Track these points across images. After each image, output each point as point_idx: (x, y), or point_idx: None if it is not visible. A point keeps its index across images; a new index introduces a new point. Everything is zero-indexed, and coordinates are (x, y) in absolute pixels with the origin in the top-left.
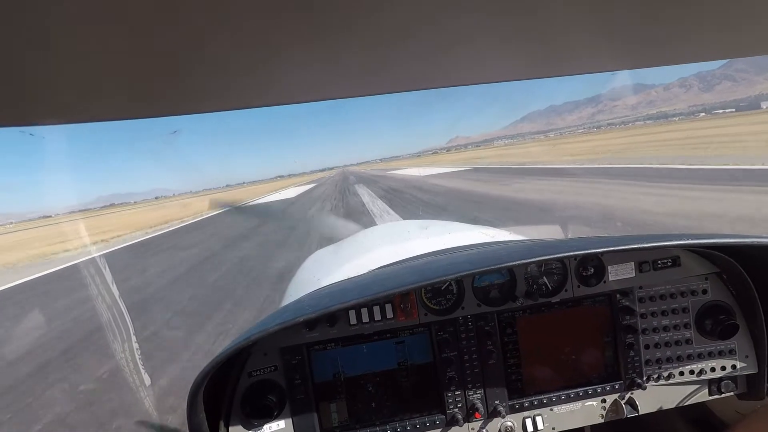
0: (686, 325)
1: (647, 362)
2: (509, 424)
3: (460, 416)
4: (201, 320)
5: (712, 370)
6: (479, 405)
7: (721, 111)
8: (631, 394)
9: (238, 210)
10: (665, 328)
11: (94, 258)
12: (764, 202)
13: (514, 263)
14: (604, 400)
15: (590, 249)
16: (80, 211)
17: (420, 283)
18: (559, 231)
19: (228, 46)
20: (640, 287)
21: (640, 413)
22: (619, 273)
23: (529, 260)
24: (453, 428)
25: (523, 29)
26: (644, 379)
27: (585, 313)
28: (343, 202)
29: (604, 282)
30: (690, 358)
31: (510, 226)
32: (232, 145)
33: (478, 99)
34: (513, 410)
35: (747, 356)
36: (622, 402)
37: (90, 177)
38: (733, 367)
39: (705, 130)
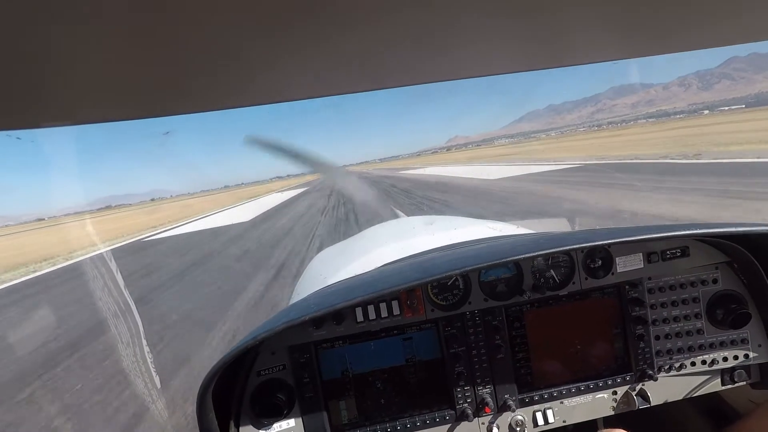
0: (697, 315)
1: (658, 353)
2: (519, 418)
3: (469, 411)
4: None
5: (725, 359)
6: (489, 400)
7: (726, 108)
8: (643, 385)
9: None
10: (676, 319)
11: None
12: None
13: (520, 257)
14: (615, 392)
15: (597, 241)
16: (64, 215)
17: (426, 279)
18: (566, 224)
19: (228, 46)
20: (649, 278)
21: (652, 404)
22: (627, 264)
23: (535, 253)
24: (463, 423)
25: (525, 20)
26: (655, 370)
27: (593, 306)
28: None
29: (612, 274)
30: (702, 348)
31: (516, 220)
32: (232, 145)
33: (479, 99)
34: (523, 404)
35: (760, 345)
36: (634, 394)
37: (78, 180)
38: (746, 356)
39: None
